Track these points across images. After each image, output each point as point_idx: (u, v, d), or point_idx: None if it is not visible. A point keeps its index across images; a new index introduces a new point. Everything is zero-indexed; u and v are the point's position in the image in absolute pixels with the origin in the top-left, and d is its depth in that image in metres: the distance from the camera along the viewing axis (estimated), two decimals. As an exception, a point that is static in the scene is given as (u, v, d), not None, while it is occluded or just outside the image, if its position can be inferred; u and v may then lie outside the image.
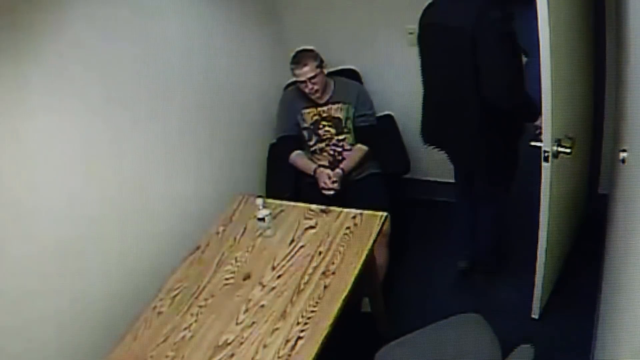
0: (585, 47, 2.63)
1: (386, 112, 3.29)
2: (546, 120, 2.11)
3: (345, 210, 2.59)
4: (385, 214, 2.53)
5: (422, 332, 2.17)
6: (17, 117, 1.96)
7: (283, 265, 2.37)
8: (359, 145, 3.09)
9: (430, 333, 2.15)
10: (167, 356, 2.09)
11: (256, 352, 2.02)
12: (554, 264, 2.67)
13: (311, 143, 3.12)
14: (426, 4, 2.51)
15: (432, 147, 2.73)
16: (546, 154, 2.17)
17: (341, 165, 3.03)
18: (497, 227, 2.86)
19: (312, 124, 3.09)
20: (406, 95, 3.29)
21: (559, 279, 2.81)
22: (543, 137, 2.15)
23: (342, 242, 2.42)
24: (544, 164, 2.20)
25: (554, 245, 2.53)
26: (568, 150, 2.21)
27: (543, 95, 2.07)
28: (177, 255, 2.54)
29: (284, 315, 2.15)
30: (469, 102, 2.39)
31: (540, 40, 1.96)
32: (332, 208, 2.63)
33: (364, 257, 2.32)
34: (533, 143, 2.23)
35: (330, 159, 3.10)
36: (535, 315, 2.69)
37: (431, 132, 2.71)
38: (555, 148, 2.19)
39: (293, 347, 2.01)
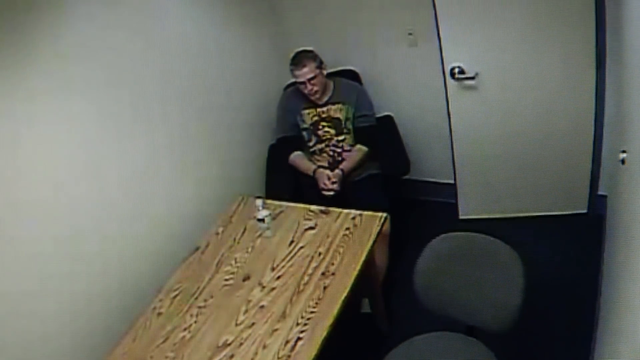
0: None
1: (386, 113, 3.29)
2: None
3: (345, 211, 2.59)
4: (385, 214, 2.53)
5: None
6: (17, 119, 1.96)
7: (283, 266, 2.37)
8: (358, 146, 3.09)
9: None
10: (166, 357, 2.09)
11: (256, 353, 2.02)
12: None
13: (311, 144, 3.12)
14: (426, 5, 2.52)
15: None
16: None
17: (341, 166, 3.02)
18: None
19: (311, 125, 3.09)
20: (406, 96, 3.30)
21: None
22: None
23: (341, 242, 2.42)
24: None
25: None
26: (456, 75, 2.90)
27: None
28: (177, 256, 2.54)
29: (283, 316, 2.14)
30: None
31: None
32: (331, 209, 2.62)
33: (363, 257, 2.32)
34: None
35: (330, 159, 3.10)
36: (462, 216, 3.32)
37: None
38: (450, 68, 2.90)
39: (293, 348, 2.01)
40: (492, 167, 3.17)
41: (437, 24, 2.83)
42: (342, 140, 3.10)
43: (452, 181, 3.45)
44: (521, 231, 3.18)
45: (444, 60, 2.91)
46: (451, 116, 3.06)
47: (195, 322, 2.21)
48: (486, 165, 3.17)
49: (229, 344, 2.08)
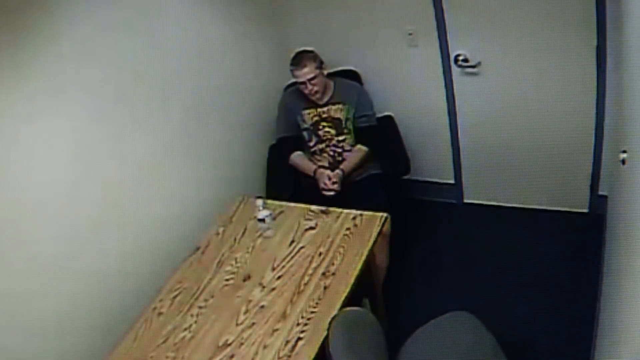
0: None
1: (386, 113, 3.29)
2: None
3: (346, 211, 2.59)
4: (385, 214, 2.53)
5: (419, 333, 2.16)
6: (17, 118, 1.96)
7: (283, 266, 2.37)
8: (359, 146, 3.09)
9: (425, 333, 2.14)
10: (167, 357, 2.09)
11: (256, 353, 2.02)
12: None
13: (311, 144, 3.12)
14: (426, 5, 2.53)
15: None
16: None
17: (341, 166, 3.02)
18: None
19: (312, 125, 3.09)
20: (406, 96, 3.30)
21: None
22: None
23: (342, 242, 2.42)
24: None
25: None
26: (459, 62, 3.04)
27: None
28: (177, 256, 2.54)
29: (284, 316, 2.15)
30: None
31: None
32: (332, 209, 2.62)
33: (364, 257, 2.32)
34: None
35: (331, 159, 3.10)
36: (466, 199, 3.49)
37: None
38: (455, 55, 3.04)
39: (293, 348, 2.01)
40: (495, 153, 3.27)
41: (442, 12, 2.90)
42: (343, 141, 3.10)
43: (452, 181, 3.46)
44: (521, 226, 3.20)
45: (449, 46, 3.02)
46: (455, 99, 3.18)
47: (196, 322, 2.21)
48: (489, 150, 3.27)
49: (230, 344, 2.08)
